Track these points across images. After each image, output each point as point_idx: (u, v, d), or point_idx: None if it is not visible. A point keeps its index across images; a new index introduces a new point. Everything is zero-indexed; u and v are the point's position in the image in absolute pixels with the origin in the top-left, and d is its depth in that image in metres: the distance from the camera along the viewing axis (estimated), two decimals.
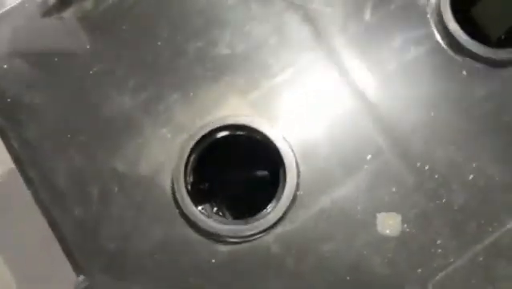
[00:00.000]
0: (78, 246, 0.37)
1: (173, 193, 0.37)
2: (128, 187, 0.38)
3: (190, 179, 0.38)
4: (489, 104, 0.38)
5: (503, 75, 0.39)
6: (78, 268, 0.37)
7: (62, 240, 0.38)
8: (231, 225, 0.36)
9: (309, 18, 0.40)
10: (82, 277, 0.37)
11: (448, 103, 0.39)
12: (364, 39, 0.40)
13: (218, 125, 0.37)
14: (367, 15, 0.40)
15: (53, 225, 0.38)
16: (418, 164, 0.38)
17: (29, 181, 0.39)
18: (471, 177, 0.38)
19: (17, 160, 0.39)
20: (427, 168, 0.38)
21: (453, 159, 0.38)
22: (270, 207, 0.37)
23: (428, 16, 0.39)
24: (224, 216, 0.39)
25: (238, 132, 0.38)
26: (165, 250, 0.37)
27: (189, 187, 0.38)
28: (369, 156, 0.38)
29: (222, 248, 0.37)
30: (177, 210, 0.38)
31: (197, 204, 0.37)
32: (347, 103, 0.39)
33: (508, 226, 0.37)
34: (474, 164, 0.38)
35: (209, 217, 0.37)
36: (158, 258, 0.37)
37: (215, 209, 0.40)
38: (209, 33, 0.40)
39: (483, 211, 0.37)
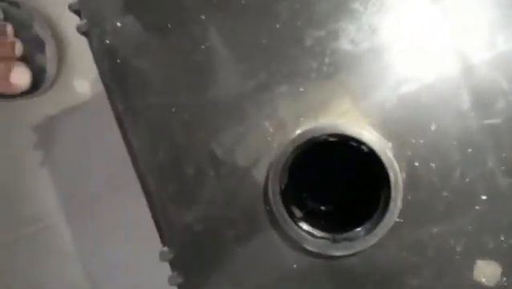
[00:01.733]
0: (166, 220, 0.39)
1: (266, 190, 0.37)
2: (223, 174, 0.38)
3: (285, 180, 0.37)
4: None
5: None
6: (163, 240, 0.39)
7: (153, 210, 0.39)
8: (319, 238, 0.35)
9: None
10: (166, 248, 0.39)
11: None
12: None
13: (327, 132, 0.35)
14: None
15: (147, 194, 0.39)
16: None
17: (129, 147, 0.39)
18: None
19: (120, 123, 0.40)
20: None
21: None
22: (363, 229, 0.35)
23: None
24: (311, 223, 0.38)
25: (348, 143, 0.35)
26: (247, 245, 0.37)
27: (283, 187, 0.36)
28: (484, 197, 0.34)
29: (304, 257, 0.37)
30: (266, 208, 0.37)
31: (286, 206, 0.36)
32: (471, 137, 0.35)
33: None
34: None
35: (296, 222, 0.36)
36: (238, 250, 0.38)
37: (303, 212, 0.39)
38: (333, 22, 0.36)
39: None
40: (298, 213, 0.37)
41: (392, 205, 0.34)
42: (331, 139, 0.35)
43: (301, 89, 0.37)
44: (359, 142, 0.34)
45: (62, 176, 0.82)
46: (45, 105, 0.81)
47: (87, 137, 0.78)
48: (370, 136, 0.34)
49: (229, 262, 0.38)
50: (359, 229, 0.35)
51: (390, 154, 0.34)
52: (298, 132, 0.36)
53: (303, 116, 0.37)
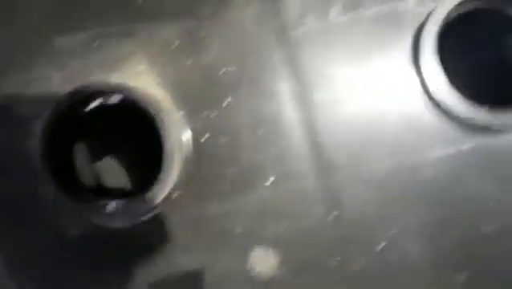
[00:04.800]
0: None
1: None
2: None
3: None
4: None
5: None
6: None
7: None
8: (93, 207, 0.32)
9: None
10: None
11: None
12: None
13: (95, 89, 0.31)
14: None
15: None
16: (323, 207, 0.31)
17: None
18: (380, 245, 0.31)
19: None
20: (332, 215, 0.31)
21: (366, 217, 0.31)
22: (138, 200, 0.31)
23: None
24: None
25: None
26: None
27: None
28: (272, 178, 0.32)
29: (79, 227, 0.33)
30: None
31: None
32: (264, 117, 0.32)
33: None
34: (391, 232, 0.31)
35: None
36: None
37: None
38: None
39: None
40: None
41: (163, 174, 0.31)
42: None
43: (95, 44, 0.33)
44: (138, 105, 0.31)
45: None
46: None
47: None
48: (151, 99, 0.31)
49: None
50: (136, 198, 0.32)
51: (171, 122, 0.31)
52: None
53: (94, 72, 0.33)
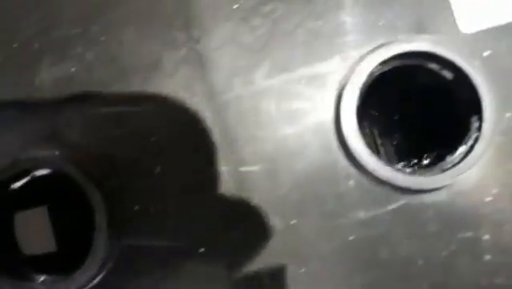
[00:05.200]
0: None
1: None
2: None
3: None
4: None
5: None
6: None
7: None
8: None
9: None
10: None
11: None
12: None
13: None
14: None
15: None
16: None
17: None
18: None
19: None
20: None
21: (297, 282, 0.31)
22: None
23: None
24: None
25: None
26: None
27: None
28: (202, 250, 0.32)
29: None
30: None
31: None
32: None
33: None
34: None
35: None
36: None
37: None
38: None
39: None
40: None
41: (93, 247, 0.31)
42: None
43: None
44: None
45: None
46: None
47: None
48: (80, 172, 0.31)
49: None
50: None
51: (102, 194, 0.31)
52: None
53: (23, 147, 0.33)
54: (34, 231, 0.35)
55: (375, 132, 0.32)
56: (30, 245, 0.35)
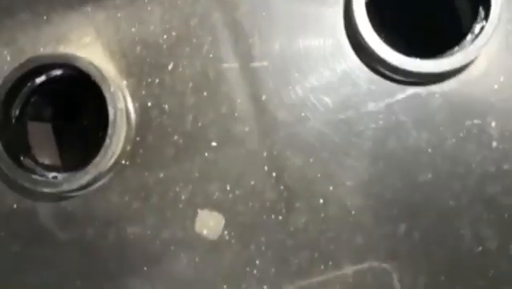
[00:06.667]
0: None
1: None
2: None
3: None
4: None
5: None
6: None
7: None
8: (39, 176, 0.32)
9: None
10: None
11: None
12: None
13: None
14: None
15: None
16: (266, 167, 0.32)
17: None
18: (321, 200, 0.31)
19: None
20: (274, 175, 0.32)
21: (306, 174, 0.31)
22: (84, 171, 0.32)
23: None
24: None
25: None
26: None
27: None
28: (214, 144, 0.32)
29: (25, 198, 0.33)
30: None
31: None
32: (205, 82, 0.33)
33: (344, 271, 0.31)
34: (331, 188, 0.31)
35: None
36: None
37: None
38: None
39: (321, 244, 0.31)
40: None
41: (107, 142, 0.31)
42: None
43: (44, 18, 0.34)
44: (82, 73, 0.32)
45: None
46: None
47: None
48: (95, 69, 0.32)
49: None
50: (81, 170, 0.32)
51: (117, 90, 0.32)
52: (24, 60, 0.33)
53: (44, 45, 0.34)
54: (41, 142, 0.36)
55: (385, 22, 0.33)
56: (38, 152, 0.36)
